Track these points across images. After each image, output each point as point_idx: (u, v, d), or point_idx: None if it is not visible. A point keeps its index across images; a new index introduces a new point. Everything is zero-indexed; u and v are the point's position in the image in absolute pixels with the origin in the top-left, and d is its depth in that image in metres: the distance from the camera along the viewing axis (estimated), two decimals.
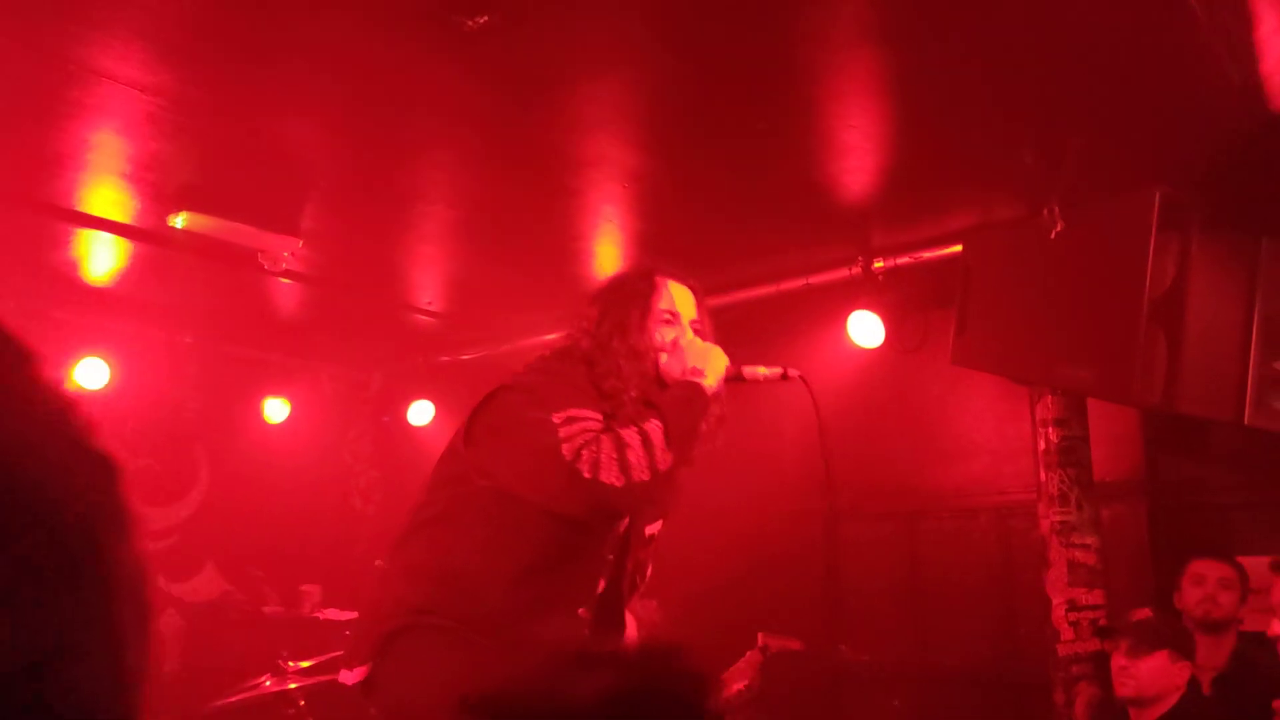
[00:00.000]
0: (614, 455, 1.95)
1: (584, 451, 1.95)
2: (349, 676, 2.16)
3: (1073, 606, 3.74)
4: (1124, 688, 3.23)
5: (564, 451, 1.95)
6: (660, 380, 2.21)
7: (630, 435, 1.98)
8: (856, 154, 3.60)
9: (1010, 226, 3.46)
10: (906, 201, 3.98)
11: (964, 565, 4.88)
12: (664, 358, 2.21)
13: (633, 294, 2.29)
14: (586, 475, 1.92)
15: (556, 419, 1.99)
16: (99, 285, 4.87)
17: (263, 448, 6.08)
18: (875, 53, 2.94)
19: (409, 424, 6.13)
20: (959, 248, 3.73)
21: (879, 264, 4.30)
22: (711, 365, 2.17)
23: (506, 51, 2.80)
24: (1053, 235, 3.21)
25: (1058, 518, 3.80)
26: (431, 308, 5.38)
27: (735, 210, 4.10)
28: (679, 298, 2.32)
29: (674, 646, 1.11)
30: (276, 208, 3.81)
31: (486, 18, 2.52)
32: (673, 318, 2.27)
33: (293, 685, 4.09)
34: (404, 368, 6.17)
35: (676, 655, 1.10)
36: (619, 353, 2.19)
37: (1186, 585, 3.53)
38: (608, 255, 4.64)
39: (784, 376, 2.27)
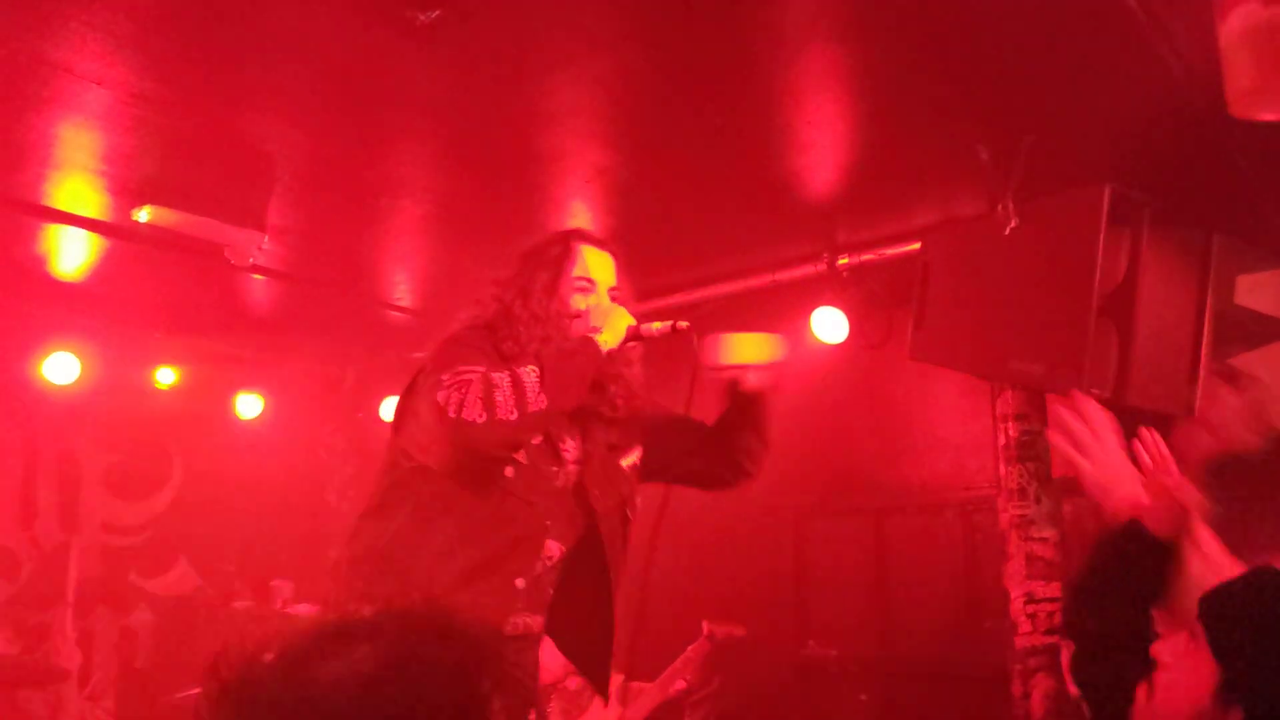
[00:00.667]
0: (479, 395, 1.97)
1: (453, 394, 1.97)
2: None
3: (1030, 599, 3.78)
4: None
5: (438, 399, 1.99)
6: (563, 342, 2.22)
7: (499, 377, 2.01)
8: (818, 150, 3.63)
9: (967, 223, 3.49)
10: (869, 198, 4.01)
11: (930, 560, 4.93)
12: (574, 324, 2.23)
13: (545, 259, 2.31)
14: (450, 415, 1.95)
15: (444, 376, 2.03)
16: (68, 280, 4.87)
17: (236, 443, 6.09)
18: (831, 49, 2.97)
19: (383, 420, 6.14)
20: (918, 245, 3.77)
21: (843, 260, 4.34)
22: (611, 324, 2.19)
23: (462, 46, 2.82)
24: (1007, 231, 3.24)
25: (1017, 512, 3.84)
26: (402, 303, 5.39)
27: (701, 206, 4.13)
28: (595, 263, 2.33)
29: (444, 611, 1.03)
30: (241, 202, 3.82)
31: (438, 12, 2.54)
32: (588, 284, 2.29)
33: None
34: (378, 363, 6.18)
35: (446, 620, 1.01)
36: (519, 318, 2.22)
37: None
38: None
39: (674, 329, 2.28)
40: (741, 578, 5.17)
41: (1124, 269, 3.16)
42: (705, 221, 4.27)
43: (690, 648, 4.11)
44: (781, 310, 4.78)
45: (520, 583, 2.16)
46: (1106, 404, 3.48)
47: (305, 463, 6.47)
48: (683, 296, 4.82)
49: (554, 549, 2.24)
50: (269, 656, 0.95)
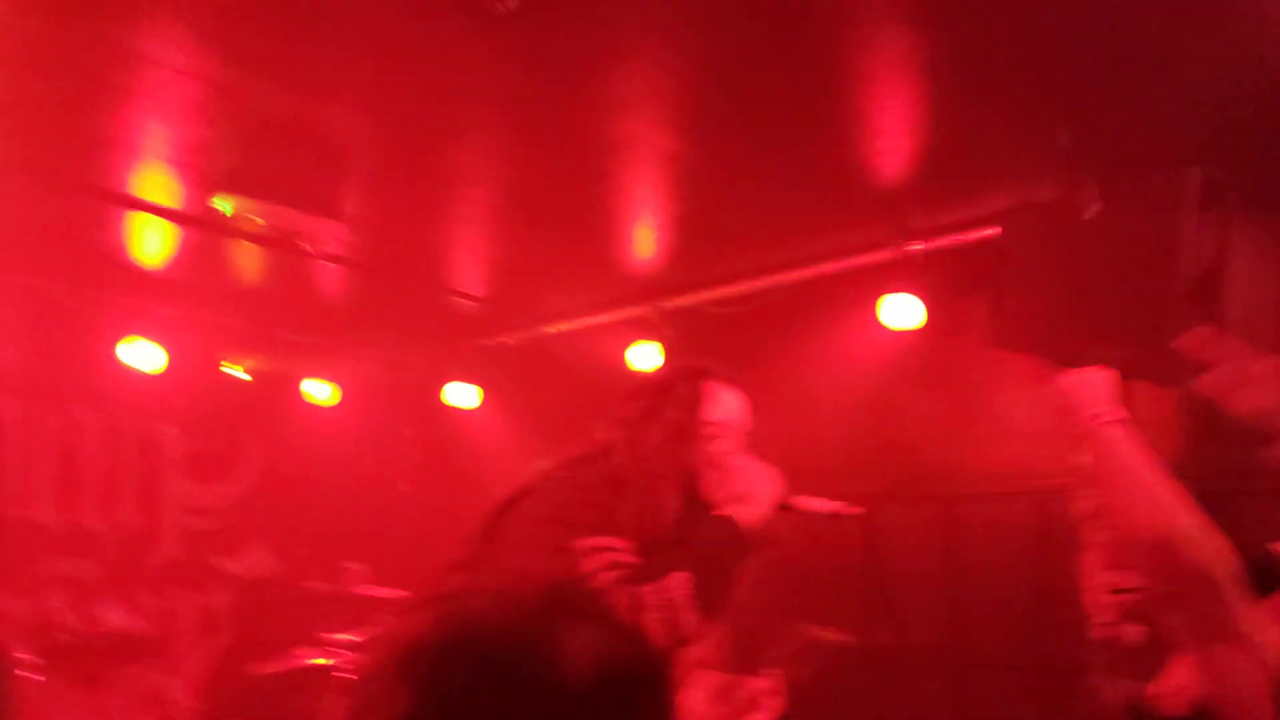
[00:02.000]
0: None
1: None
2: None
3: (1109, 589, 3.70)
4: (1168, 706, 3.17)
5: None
6: (696, 504, 1.93)
7: (652, 595, 1.73)
8: (890, 135, 3.59)
9: (1046, 207, 3.41)
10: (942, 183, 3.95)
11: (1002, 549, 4.85)
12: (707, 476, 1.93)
13: (676, 400, 2.00)
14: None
15: (580, 545, 1.80)
16: (150, 269, 5.01)
17: (310, 429, 6.21)
18: (904, 32, 2.93)
19: (453, 407, 6.21)
20: (995, 229, 3.69)
21: (916, 246, 4.28)
22: (763, 491, 1.91)
23: (537, 34, 2.84)
24: (1089, 216, 3.16)
25: (1094, 500, 3.76)
26: (473, 291, 5.45)
27: (770, 192, 4.10)
28: (730, 404, 2.03)
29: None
30: (317, 191, 3.89)
31: (517, 1, 2.55)
32: (722, 430, 2.00)
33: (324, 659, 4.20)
34: (447, 350, 6.25)
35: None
36: (655, 472, 1.91)
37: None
38: (645, 238, 4.67)
39: (836, 515, 1.99)
40: (810, 566, 5.14)
41: (1211, 254, 3.07)
42: (775, 207, 4.24)
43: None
44: (850, 296, 4.75)
45: None
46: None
47: (376, 449, 6.57)
48: (751, 283, 4.81)
49: None
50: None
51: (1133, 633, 3.38)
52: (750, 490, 1.92)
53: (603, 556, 1.79)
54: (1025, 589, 4.77)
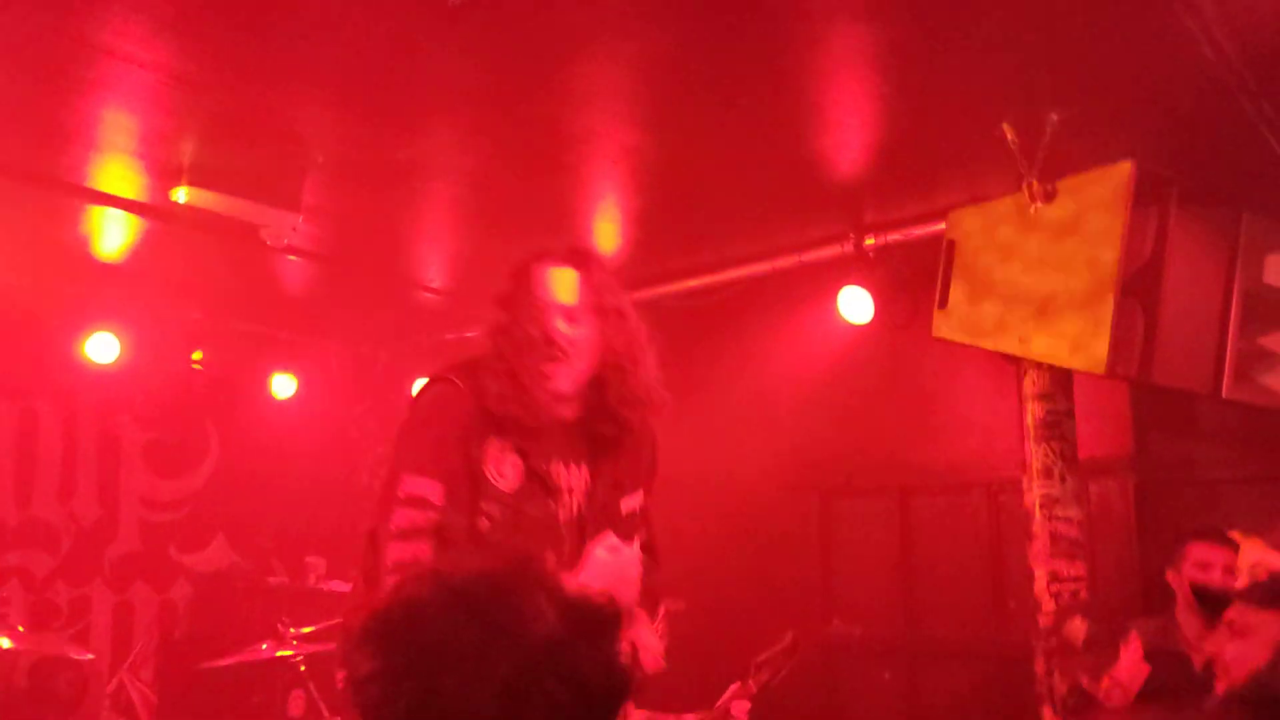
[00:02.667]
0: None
1: (405, 553, 2.07)
2: None
3: (1054, 578, 3.79)
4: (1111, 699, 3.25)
5: (387, 560, 2.08)
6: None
7: (453, 524, 2.07)
8: (844, 130, 3.65)
9: (992, 202, 3.50)
10: (896, 178, 4.03)
11: (955, 540, 4.95)
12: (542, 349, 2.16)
13: (512, 288, 2.25)
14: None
15: (399, 493, 2.11)
16: (109, 261, 4.98)
17: (271, 422, 6.20)
18: (856, 28, 2.99)
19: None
20: (943, 224, 3.78)
21: (870, 241, 4.36)
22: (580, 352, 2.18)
23: (491, 28, 2.87)
24: (1032, 210, 3.26)
25: (1041, 491, 3.86)
26: (434, 284, 5.47)
27: (728, 187, 4.16)
28: (560, 283, 2.22)
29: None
30: (277, 183, 3.90)
31: None
32: (554, 307, 2.19)
33: (287, 652, 4.21)
34: (410, 344, 6.27)
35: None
36: (499, 358, 2.17)
37: (1188, 568, 3.51)
38: (607, 231, 4.71)
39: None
40: (767, 556, 5.22)
41: (1150, 247, 3.17)
42: (733, 202, 4.30)
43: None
44: (807, 291, 4.82)
45: None
46: (1132, 382, 3.51)
47: (338, 442, 6.58)
48: (710, 277, 4.87)
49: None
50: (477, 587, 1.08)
51: (1076, 621, 3.49)
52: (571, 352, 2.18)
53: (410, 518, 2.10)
54: (978, 579, 4.87)
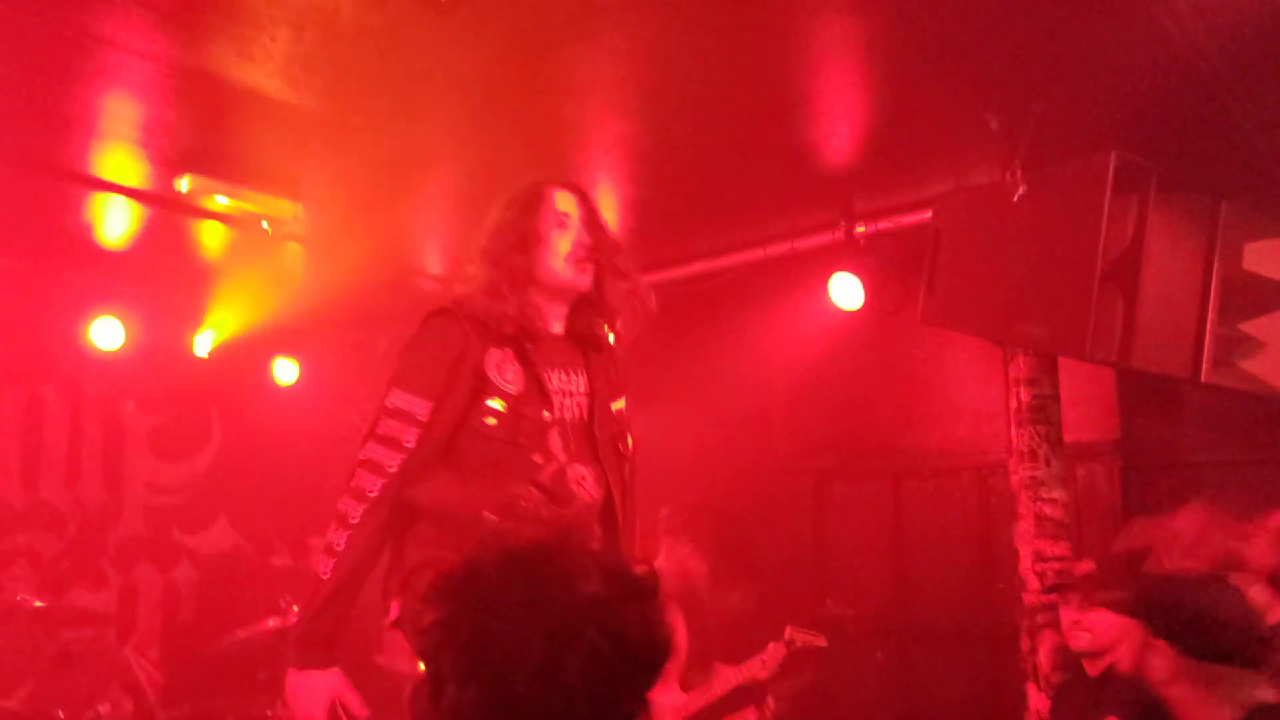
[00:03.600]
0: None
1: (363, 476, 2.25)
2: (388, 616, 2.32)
3: (1039, 558, 3.87)
4: (1077, 641, 3.37)
5: (350, 486, 2.26)
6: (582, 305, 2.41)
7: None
8: (834, 119, 3.71)
9: (977, 190, 3.56)
10: (885, 167, 4.09)
11: (945, 523, 5.03)
12: (555, 258, 2.35)
13: (517, 207, 2.40)
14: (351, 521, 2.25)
15: (387, 403, 2.27)
16: (113, 248, 5.06)
17: (273, 407, 6.28)
18: (844, 19, 3.04)
19: None
20: (930, 212, 3.84)
21: (860, 228, 4.42)
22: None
23: (483, 18, 2.93)
24: (1015, 198, 3.32)
25: (1027, 473, 3.93)
26: (433, 271, 5.54)
27: (720, 175, 4.22)
28: (566, 201, 2.42)
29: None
30: (277, 172, 3.97)
31: None
32: (564, 219, 2.39)
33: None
34: (408, 330, 6.32)
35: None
36: (501, 272, 2.32)
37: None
38: None
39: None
40: (762, 539, 5.30)
41: (1130, 235, 3.23)
42: (725, 190, 4.36)
43: (771, 646, 4.31)
44: (800, 278, 4.89)
45: (489, 515, 2.23)
46: (1112, 366, 3.57)
47: (339, 427, 6.64)
48: (703, 264, 4.94)
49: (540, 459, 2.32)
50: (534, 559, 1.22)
51: (1059, 598, 3.56)
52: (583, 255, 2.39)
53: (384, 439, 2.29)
54: (968, 561, 4.96)
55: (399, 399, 2.28)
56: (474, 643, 1.14)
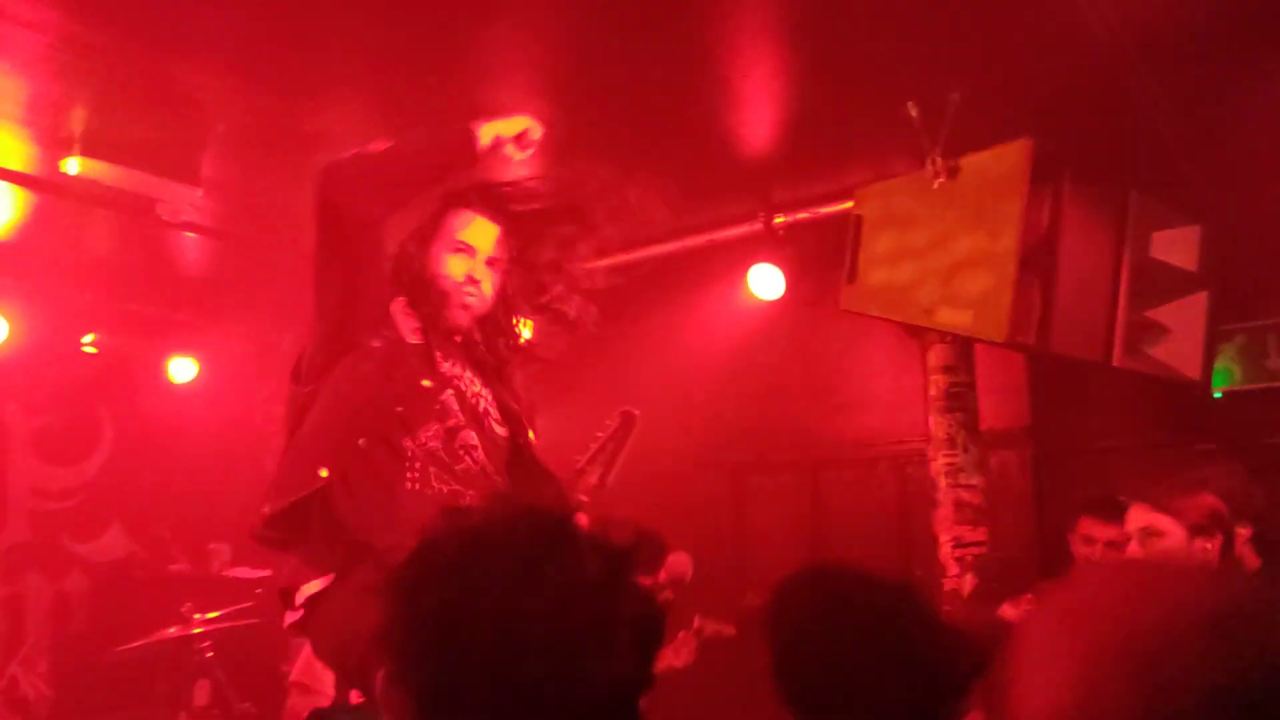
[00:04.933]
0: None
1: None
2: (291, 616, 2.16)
3: (958, 543, 3.93)
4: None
5: None
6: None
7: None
8: (754, 106, 3.70)
9: (898, 179, 3.58)
10: (805, 156, 4.09)
11: (864, 512, 5.07)
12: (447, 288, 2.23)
13: (426, 217, 2.29)
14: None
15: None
16: None
17: (169, 408, 6.01)
18: (763, 4, 3.03)
19: None
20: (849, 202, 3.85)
21: (780, 219, 4.41)
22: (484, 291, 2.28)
23: None
24: (935, 186, 3.34)
25: (945, 460, 3.98)
26: None
27: (639, 164, 4.15)
28: (477, 231, 2.27)
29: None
30: (174, 155, 3.77)
31: None
32: (466, 249, 2.25)
33: (198, 630, 4.11)
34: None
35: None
36: (398, 276, 2.24)
37: (1076, 542, 3.66)
38: None
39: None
40: (681, 531, 5.25)
41: (1046, 223, 3.28)
42: (643, 179, 4.30)
43: (681, 635, 4.28)
44: (718, 268, 4.87)
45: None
46: (1030, 350, 3.63)
47: (241, 427, 6.40)
48: (621, 256, 4.86)
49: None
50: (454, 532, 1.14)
51: (968, 576, 3.62)
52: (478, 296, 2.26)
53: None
54: (887, 549, 5.00)
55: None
56: (465, 624, 1.05)
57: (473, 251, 2.25)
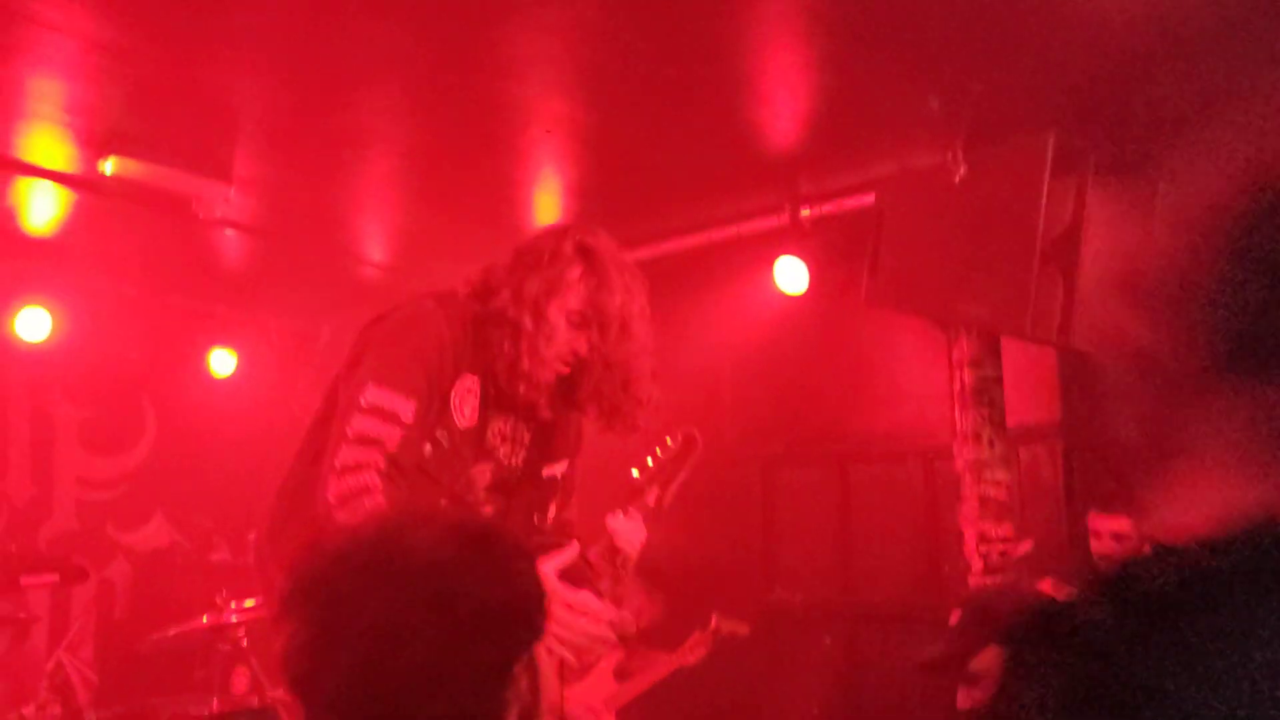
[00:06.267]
0: (373, 491, 1.94)
1: (346, 483, 1.94)
2: None
3: (983, 539, 3.90)
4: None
5: (328, 494, 1.94)
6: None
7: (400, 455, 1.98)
8: (778, 101, 3.70)
9: (920, 172, 3.57)
10: (830, 150, 4.08)
11: (892, 507, 5.04)
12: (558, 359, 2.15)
13: (550, 258, 2.17)
14: (334, 518, 1.91)
15: (363, 400, 1.99)
16: (38, 235, 4.89)
17: (210, 399, 6.13)
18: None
19: None
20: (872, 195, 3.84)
21: (805, 212, 4.41)
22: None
23: None
24: (957, 179, 3.32)
25: (971, 455, 3.96)
26: (374, 258, 5.44)
27: (664, 158, 4.18)
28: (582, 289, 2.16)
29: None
30: (207, 153, 3.86)
31: None
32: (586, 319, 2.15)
33: (235, 618, 4.21)
34: (352, 318, 6.20)
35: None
36: (504, 319, 2.13)
37: (1090, 538, 3.64)
38: (546, 203, 4.72)
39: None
40: (710, 525, 5.27)
41: (1069, 216, 3.25)
42: (669, 173, 4.32)
43: (696, 634, 4.31)
44: (744, 262, 4.87)
45: None
46: (1052, 345, 3.60)
47: (279, 419, 6.51)
48: (647, 249, 4.89)
49: None
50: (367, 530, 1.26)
51: (1000, 579, 3.60)
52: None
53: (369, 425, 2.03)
54: (915, 545, 4.98)
55: (377, 395, 2.01)
56: (324, 611, 1.16)
57: (576, 315, 2.18)
